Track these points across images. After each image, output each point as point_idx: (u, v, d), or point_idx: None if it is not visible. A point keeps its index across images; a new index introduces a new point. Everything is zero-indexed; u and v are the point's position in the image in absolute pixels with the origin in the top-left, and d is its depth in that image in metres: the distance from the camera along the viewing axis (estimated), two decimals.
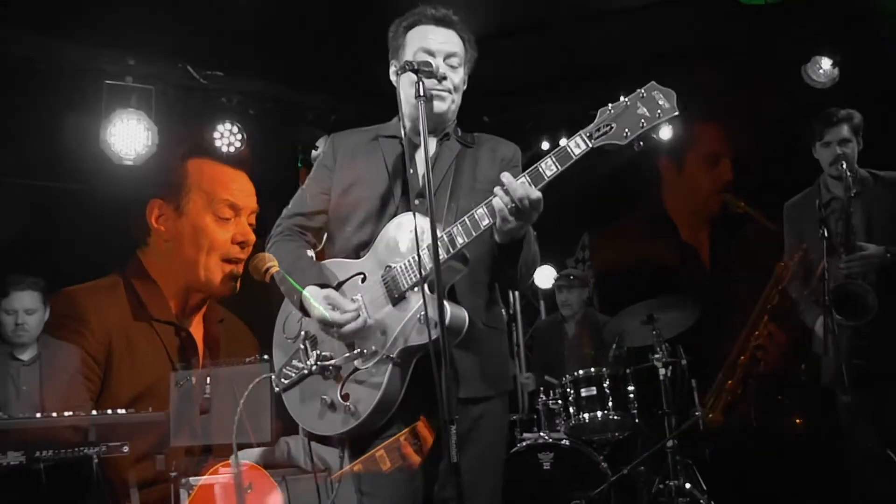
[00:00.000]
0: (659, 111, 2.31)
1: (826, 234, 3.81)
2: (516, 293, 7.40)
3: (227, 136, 5.94)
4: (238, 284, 6.48)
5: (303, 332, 2.57)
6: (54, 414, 4.06)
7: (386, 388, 2.38)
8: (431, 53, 2.59)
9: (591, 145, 2.32)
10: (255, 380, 3.34)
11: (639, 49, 6.01)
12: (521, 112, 6.71)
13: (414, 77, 2.40)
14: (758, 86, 6.20)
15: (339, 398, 2.44)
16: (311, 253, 2.70)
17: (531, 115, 6.77)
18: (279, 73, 6.01)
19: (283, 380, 2.60)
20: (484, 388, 2.53)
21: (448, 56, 2.61)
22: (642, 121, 2.31)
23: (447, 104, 2.60)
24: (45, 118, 5.43)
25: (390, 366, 2.39)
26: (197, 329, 6.45)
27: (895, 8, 5.08)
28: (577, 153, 2.32)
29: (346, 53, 5.76)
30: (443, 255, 2.35)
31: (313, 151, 2.57)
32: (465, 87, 2.71)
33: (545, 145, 6.75)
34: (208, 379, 5.35)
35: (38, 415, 4.06)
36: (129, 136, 5.32)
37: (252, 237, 6.55)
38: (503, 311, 2.73)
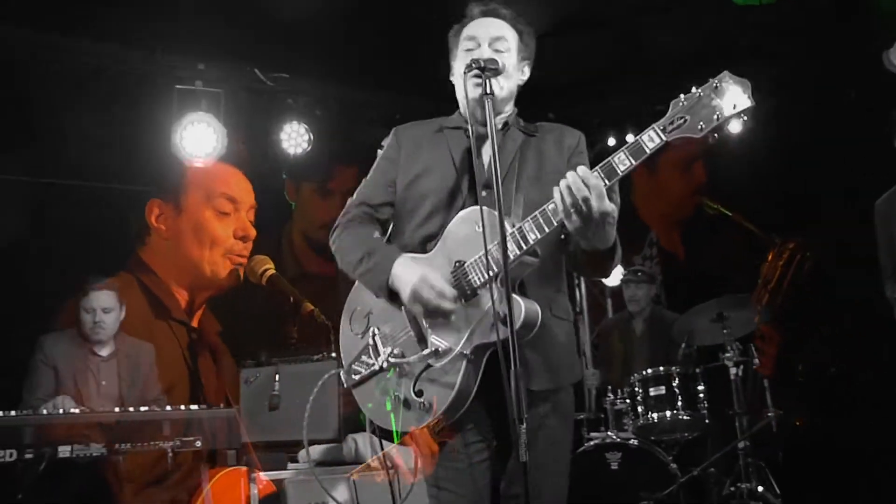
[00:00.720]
0: (734, 103, 2.24)
1: None
2: (583, 291, 7.33)
3: (294, 138, 6.03)
4: (242, 275, 6.47)
5: (372, 329, 2.57)
6: (131, 409, 4.19)
7: (460, 385, 2.36)
8: (476, 40, 2.59)
9: (665, 139, 2.27)
10: (325, 375, 3.35)
11: (706, 40, 5.86)
12: (587, 108, 6.62)
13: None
14: (835, 74, 5.98)
15: (413, 395, 2.43)
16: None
17: (597, 110, 6.68)
18: (345, 74, 6.09)
19: (353, 376, 2.59)
20: (553, 379, 2.51)
21: (494, 40, 2.59)
22: (717, 113, 2.24)
23: (497, 89, 2.52)
24: (117, 123, 5.63)
25: (464, 363, 2.37)
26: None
27: (892, 7, 4.87)
28: (650, 147, 2.27)
29: (411, 52, 5.79)
30: (515, 250, 2.33)
31: (379, 151, 2.60)
32: (523, 77, 2.69)
33: (612, 141, 6.67)
34: (277, 376, 5.43)
35: (116, 409, 4.20)
36: (199, 138, 5.47)
37: (252, 232, 6.60)
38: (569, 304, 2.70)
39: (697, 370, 5.05)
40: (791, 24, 5.74)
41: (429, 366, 2.43)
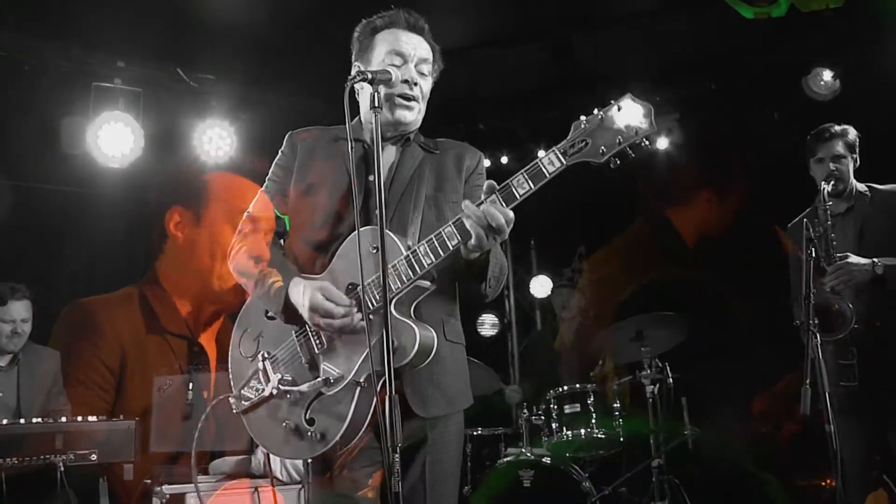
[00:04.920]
0: (636, 128, 2.15)
1: (813, 253, 3.66)
2: (511, 303, 7.31)
3: (216, 140, 5.87)
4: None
5: (262, 353, 2.48)
6: (22, 420, 4.02)
7: (353, 414, 2.30)
8: (404, 57, 2.51)
9: (565, 163, 2.18)
10: (213, 401, 3.23)
11: (636, 58, 5.90)
12: (516, 120, 6.61)
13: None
14: (757, 97, 6.07)
15: (304, 423, 2.35)
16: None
17: (526, 123, 6.67)
18: (271, 77, 5.96)
19: (242, 402, 2.50)
20: (448, 405, 2.45)
21: (420, 62, 2.53)
22: (619, 137, 2.15)
23: (414, 114, 2.52)
24: (32, 120, 5.41)
25: (357, 391, 2.30)
26: (209, 344, 6.42)
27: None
28: (550, 171, 2.19)
29: (338, 56, 5.68)
30: (409, 273, 2.27)
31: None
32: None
33: (541, 153, 6.63)
34: (190, 384, 5.30)
35: (4, 421, 4.01)
36: (115, 138, 5.29)
37: (267, 255, 6.48)
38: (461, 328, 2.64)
39: (615, 387, 5.04)
40: (721, 45, 5.83)
41: (321, 394, 2.35)
